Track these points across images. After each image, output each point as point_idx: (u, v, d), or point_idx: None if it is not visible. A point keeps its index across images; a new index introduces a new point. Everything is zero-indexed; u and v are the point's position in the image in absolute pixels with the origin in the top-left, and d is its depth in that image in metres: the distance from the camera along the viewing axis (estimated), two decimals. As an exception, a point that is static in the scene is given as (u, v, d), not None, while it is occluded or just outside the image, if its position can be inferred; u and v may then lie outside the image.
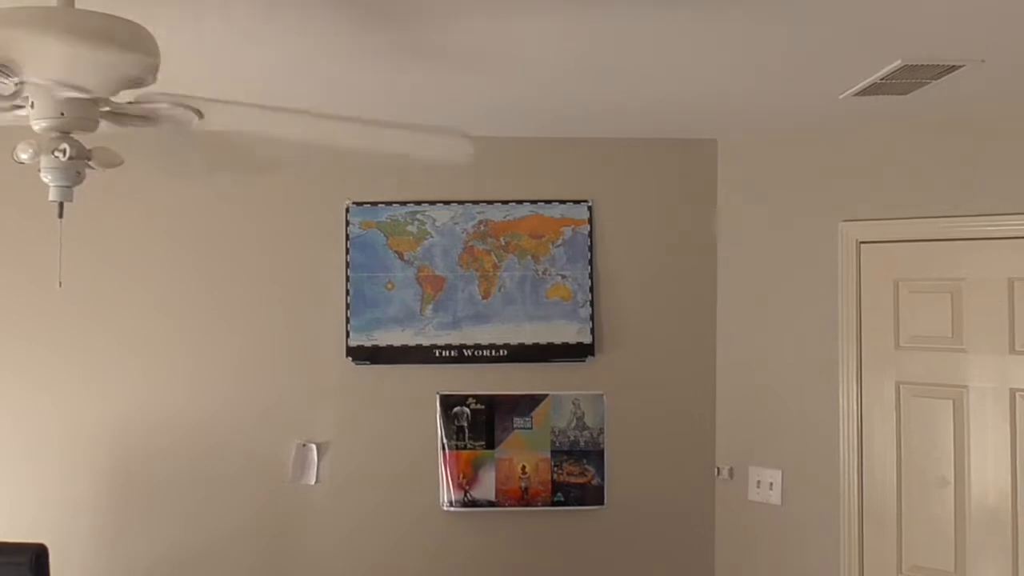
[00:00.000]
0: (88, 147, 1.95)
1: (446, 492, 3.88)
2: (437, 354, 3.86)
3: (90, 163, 1.96)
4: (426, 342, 3.85)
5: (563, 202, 3.92)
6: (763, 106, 3.33)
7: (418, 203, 3.88)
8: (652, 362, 3.97)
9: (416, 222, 3.87)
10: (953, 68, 2.73)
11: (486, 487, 3.88)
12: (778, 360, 3.84)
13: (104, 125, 1.97)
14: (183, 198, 3.85)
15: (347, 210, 3.87)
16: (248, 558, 3.84)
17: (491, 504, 3.88)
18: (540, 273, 3.90)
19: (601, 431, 3.92)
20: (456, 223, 3.88)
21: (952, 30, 2.40)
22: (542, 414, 3.90)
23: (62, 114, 1.87)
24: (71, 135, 1.91)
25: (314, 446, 3.85)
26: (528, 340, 3.87)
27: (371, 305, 3.85)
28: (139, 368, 3.82)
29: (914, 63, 2.67)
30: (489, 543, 3.92)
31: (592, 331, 3.89)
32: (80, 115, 1.89)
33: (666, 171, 4.01)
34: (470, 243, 3.89)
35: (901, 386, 3.55)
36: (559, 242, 3.91)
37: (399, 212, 3.88)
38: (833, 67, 2.76)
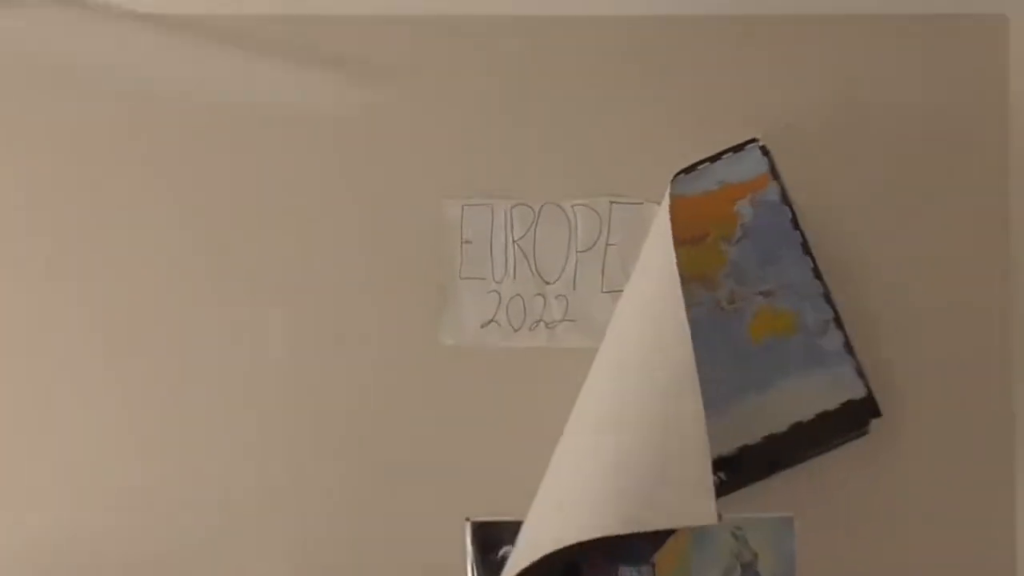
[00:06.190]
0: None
1: None
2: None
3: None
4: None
5: (715, 158, 2.04)
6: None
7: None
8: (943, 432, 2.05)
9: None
10: None
11: None
12: None
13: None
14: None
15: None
16: None
17: None
18: (724, 303, 1.99)
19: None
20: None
21: None
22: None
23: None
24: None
25: None
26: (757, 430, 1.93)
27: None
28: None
29: None
30: None
31: (861, 374, 1.97)
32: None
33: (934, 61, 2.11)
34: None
35: None
36: (736, 236, 2.03)
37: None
38: None
